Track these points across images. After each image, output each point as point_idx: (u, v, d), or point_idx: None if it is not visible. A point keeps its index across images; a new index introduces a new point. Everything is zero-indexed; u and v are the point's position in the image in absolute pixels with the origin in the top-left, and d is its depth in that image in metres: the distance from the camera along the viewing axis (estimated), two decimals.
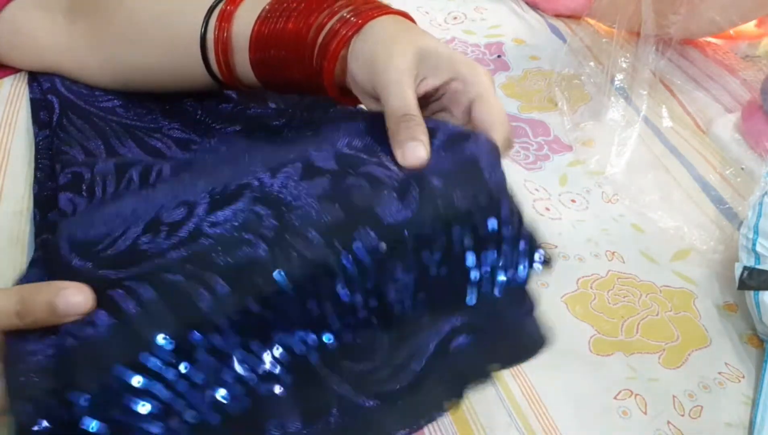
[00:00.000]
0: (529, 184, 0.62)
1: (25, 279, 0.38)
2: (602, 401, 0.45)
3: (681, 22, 0.73)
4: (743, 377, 0.48)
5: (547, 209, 0.60)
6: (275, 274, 0.32)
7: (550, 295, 0.52)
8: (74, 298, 0.30)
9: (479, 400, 0.44)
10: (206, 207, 0.36)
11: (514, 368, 0.46)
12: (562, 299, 0.52)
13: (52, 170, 0.51)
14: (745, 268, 0.50)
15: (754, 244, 0.51)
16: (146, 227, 0.36)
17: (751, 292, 0.50)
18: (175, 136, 0.54)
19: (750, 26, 0.84)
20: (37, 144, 0.54)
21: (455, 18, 0.85)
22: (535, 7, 0.89)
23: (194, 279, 0.32)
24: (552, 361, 0.47)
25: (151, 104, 0.59)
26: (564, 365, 0.47)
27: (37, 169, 0.52)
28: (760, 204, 0.52)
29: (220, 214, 0.35)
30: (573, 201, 0.61)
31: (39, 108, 0.57)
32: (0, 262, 0.46)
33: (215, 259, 0.33)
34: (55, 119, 0.54)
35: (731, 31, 0.83)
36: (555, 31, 0.85)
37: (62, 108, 0.55)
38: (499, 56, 0.79)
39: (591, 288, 0.53)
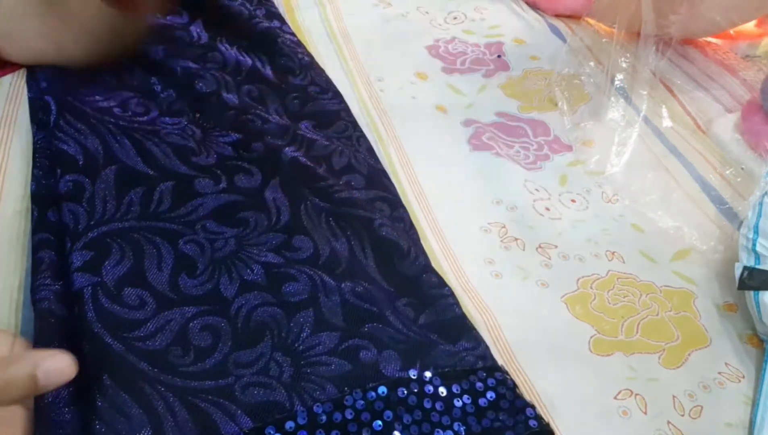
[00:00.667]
0: (529, 184, 0.62)
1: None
2: (602, 401, 0.45)
3: (681, 22, 0.73)
4: (743, 377, 0.48)
5: (547, 209, 0.60)
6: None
7: (550, 295, 0.52)
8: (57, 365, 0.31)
9: None
10: (230, 344, 0.42)
11: (514, 368, 0.46)
12: (562, 299, 0.52)
13: (50, 170, 0.51)
14: (745, 268, 0.50)
15: (754, 244, 0.51)
16: (175, 339, 0.42)
17: (751, 292, 0.50)
18: (172, 141, 0.55)
19: (750, 26, 0.84)
20: (35, 143, 0.54)
21: (455, 18, 0.85)
22: (535, 7, 0.89)
23: (221, 409, 0.38)
24: (552, 361, 0.47)
25: (150, 103, 0.59)
26: (564, 365, 0.47)
27: (35, 167, 0.52)
28: (760, 204, 0.52)
29: (243, 356, 0.42)
30: (573, 201, 0.61)
31: (37, 107, 0.57)
32: (0, 263, 0.46)
33: (239, 396, 0.39)
34: (52, 120, 0.54)
35: (731, 31, 0.83)
36: (555, 31, 0.85)
37: (59, 108, 0.55)
38: (499, 56, 0.79)
39: (591, 288, 0.53)
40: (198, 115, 0.59)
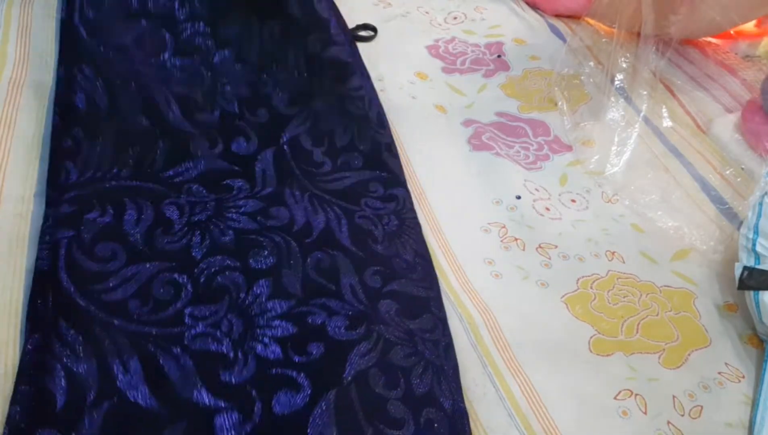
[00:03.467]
0: (529, 184, 0.62)
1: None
2: (602, 401, 0.45)
3: (681, 22, 0.73)
4: (743, 377, 0.48)
5: (547, 209, 0.60)
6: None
7: (550, 295, 0.52)
8: None
9: (479, 400, 0.45)
10: (188, 301, 0.45)
11: (514, 368, 0.46)
12: (562, 299, 0.52)
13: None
14: (745, 268, 0.50)
15: (754, 244, 0.51)
16: (137, 291, 0.44)
17: (751, 292, 0.50)
18: (178, 91, 0.57)
19: (750, 26, 0.84)
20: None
21: (455, 18, 0.85)
22: (535, 7, 0.89)
23: (167, 353, 0.41)
24: (552, 361, 0.47)
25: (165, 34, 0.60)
26: (564, 365, 0.47)
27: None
28: (760, 204, 0.52)
29: (198, 311, 0.44)
30: (573, 201, 0.61)
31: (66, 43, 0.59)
32: (1, 265, 0.46)
33: (187, 344, 0.42)
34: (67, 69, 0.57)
35: (731, 31, 0.83)
36: (555, 31, 0.85)
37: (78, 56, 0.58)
38: (499, 56, 0.79)
39: (591, 288, 0.53)
40: (210, 73, 0.60)
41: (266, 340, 0.43)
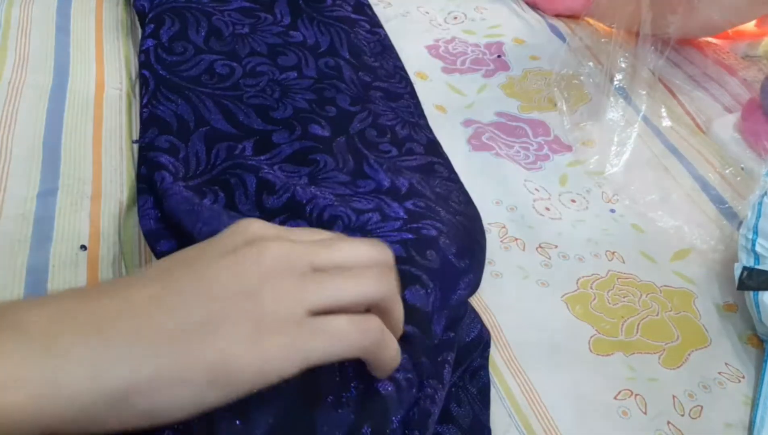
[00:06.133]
0: (529, 184, 0.62)
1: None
2: (602, 401, 0.45)
3: (680, 22, 0.73)
4: (743, 377, 0.48)
5: (547, 209, 0.60)
6: None
7: (550, 295, 0.52)
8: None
9: None
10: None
11: (514, 368, 0.47)
12: (562, 299, 0.52)
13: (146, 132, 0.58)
14: (744, 268, 0.50)
15: (753, 245, 0.51)
16: None
17: (751, 292, 0.50)
18: (253, 103, 0.62)
19: (750, 26, 0.84)
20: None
21: (455, 18, 0.85)
22: (535, 7, 0.89)
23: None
24: (552, 361, 0.48)
25: (234, 64, 0.66)
26: (564, 365, 0.47)
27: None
28: (760, 204, 0.52)
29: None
30: (573, 201, 0.61)
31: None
32: (1, 264, 0.46)
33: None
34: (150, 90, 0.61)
35: (730, 31, 0.83)
36: (555, 31, 0.85)
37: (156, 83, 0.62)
38: (499, 56, 0.79)
39: (591, 288, 0.53)
40: (278, 87, 0.65)
41: None
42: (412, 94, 0.69)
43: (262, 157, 0.56)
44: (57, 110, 0.59)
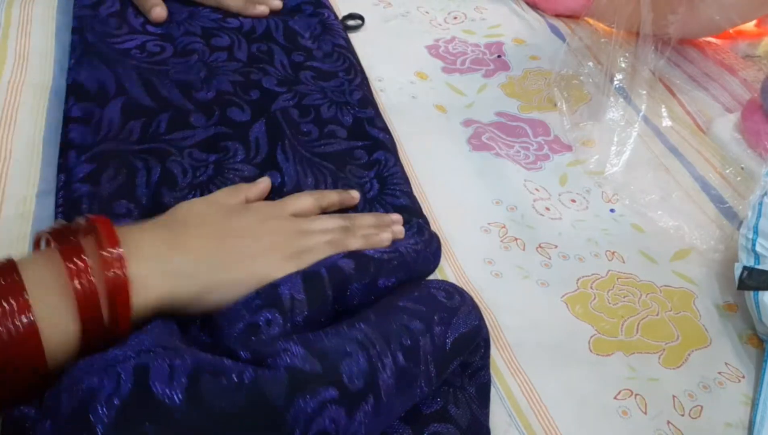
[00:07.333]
0: (529, 184, 0.62)
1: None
2: (602, 401, 0.45)
3: (680, 22, 0.73)
4: (743, 377, 0.48)
5: (547, 209, 0.60)
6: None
7: (550, 295, 0.52)
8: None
9: None
10: None
11: (514, 368, 0.47)
12: (562, 299, 0.52)
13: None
14: (744, 268, 0.50)
15: (753, 244, 0.51)
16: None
17: (751, 292, 0.50)
18: (178, 78, 0.62)
19: (750, 26, 0.84)
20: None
21: (455, 18, 0.85)
22: (535, 7, 0.89)
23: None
24: (552, 361, 0.48)
25: (166, 44, 0.67)
26: (564, 365, 0.47)
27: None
28: (760, 204, 0.52)
29: None
30: (573, 201, 0.61)
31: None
32: None
33: None
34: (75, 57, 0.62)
35: (731, 31, 0.83)
36: (555, 31, 0.85)
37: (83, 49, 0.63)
38: (499, 56, 0.79)
39: (591, 288, 0.53)
40: (205, 68, 0.65)
41: None
42: (349, 70, 0.69)
43: (176, 136, 0.56)
44: (57, 110, 0.59)
